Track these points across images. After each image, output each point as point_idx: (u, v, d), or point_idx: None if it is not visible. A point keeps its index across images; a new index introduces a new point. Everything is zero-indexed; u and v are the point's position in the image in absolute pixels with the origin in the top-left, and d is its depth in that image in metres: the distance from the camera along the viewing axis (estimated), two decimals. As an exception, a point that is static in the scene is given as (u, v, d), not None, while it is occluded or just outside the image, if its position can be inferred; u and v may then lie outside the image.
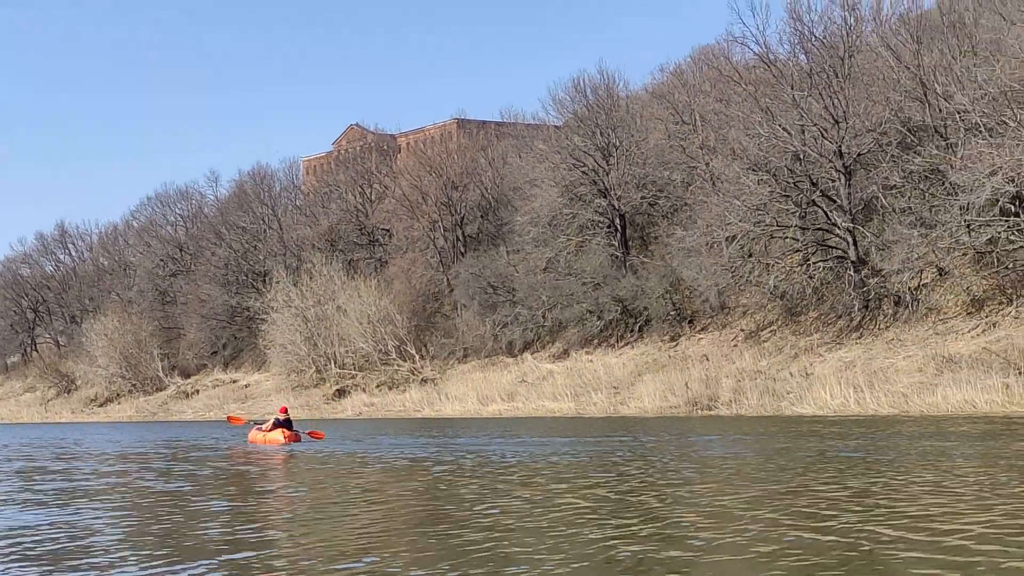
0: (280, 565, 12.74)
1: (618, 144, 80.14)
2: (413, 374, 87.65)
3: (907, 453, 26.50)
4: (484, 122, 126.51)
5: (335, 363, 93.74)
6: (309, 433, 43.53)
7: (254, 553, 13.77)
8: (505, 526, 15.46)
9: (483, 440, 40.62)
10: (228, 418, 54.09)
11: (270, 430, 42.11)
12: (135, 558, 13.55)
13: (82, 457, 39.24)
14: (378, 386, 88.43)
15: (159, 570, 12.55)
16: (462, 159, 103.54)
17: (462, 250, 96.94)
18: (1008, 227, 53.49)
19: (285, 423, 42.15)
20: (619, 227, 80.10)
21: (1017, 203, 53.36)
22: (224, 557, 13.49)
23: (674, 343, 71.00)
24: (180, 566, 12.74)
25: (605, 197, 79.68)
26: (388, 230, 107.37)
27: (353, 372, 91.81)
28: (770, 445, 32.09)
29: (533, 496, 19.39)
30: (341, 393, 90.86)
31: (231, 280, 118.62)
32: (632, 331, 75.44)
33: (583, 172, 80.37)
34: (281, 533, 16.06)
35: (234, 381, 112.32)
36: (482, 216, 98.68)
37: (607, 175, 79.15)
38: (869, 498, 17.37)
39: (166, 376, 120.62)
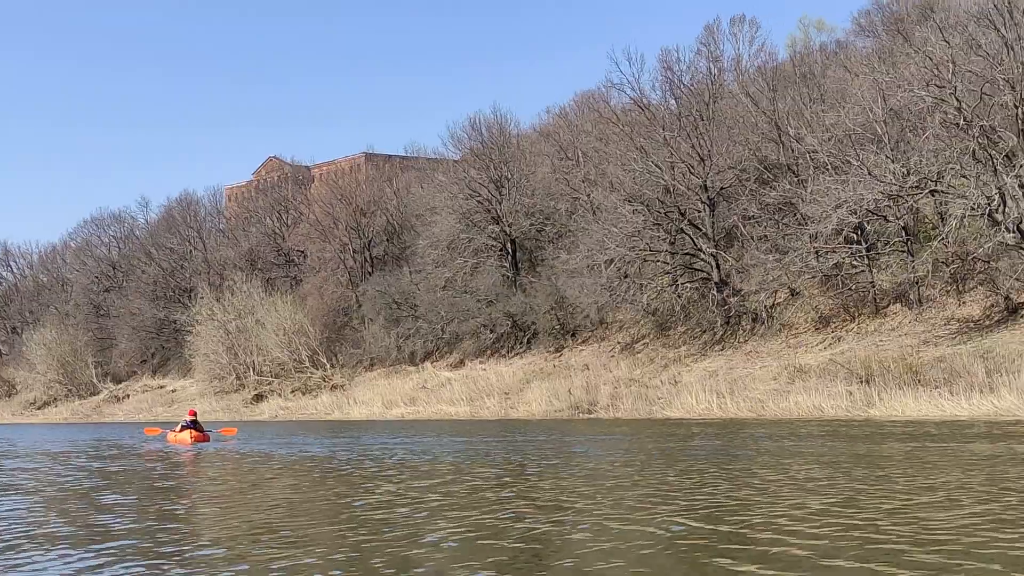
0: (167, 551, 12.41)
1: (509, 176, 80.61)
2: (324, 381, 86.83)
3: (760, 451, 26.76)
4: (390, 156, 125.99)
5: (254, 371, 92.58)
6: (221, 431, 42.92)
7: (137, 541, 13.46)
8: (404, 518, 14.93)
9: (383, 439, 40.25)
10: (145, 430, 53.08)
11: (179, 432, 41.73)
12: (30, 545, 13.22)
13: (11, 455, 38.16)
14: (292, 391, 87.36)
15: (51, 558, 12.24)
16: (370, 188, 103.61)
17: (369, 270, 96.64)
18: (851, 254, 54.72)
19: (193, 424, 41.82)
20: (510, 250, 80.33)
21: (859, 233, 54.37)
22: (117, 543, 13.19)
23: (558, 354, 70.96)
24: (75, 553, 12.42)
25: (498, 224, 79.92)
26: (303, 251, 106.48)
27: (270, 379, 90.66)
28: (634, 444, 32.60)
29: (399, 489, 19.24)
30: (259, 398, 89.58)
31: (159, 295, 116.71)
32: (521, 343, 75.39)
33: (478, 201, 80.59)
34: (175, 524, 15.61)
35: (161, 387, 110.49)
36: (387, 239, 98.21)
37: (500, 204, 79.58)
38: (713, 486, 17.75)
39: (99, 382, 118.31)
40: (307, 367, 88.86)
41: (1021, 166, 46.59)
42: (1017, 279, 47.08)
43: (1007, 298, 47.95)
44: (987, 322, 48.10)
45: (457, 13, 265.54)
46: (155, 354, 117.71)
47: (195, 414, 44.10)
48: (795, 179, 58.38)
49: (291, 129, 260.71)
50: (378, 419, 69.16)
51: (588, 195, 72.78)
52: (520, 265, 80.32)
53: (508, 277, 79.05)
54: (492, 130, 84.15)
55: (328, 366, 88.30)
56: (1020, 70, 47.56)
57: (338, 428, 55.74)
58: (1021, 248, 46.27)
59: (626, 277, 64.85)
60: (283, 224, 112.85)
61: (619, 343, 67.85)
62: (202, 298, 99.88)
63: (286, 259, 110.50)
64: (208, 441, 40.90)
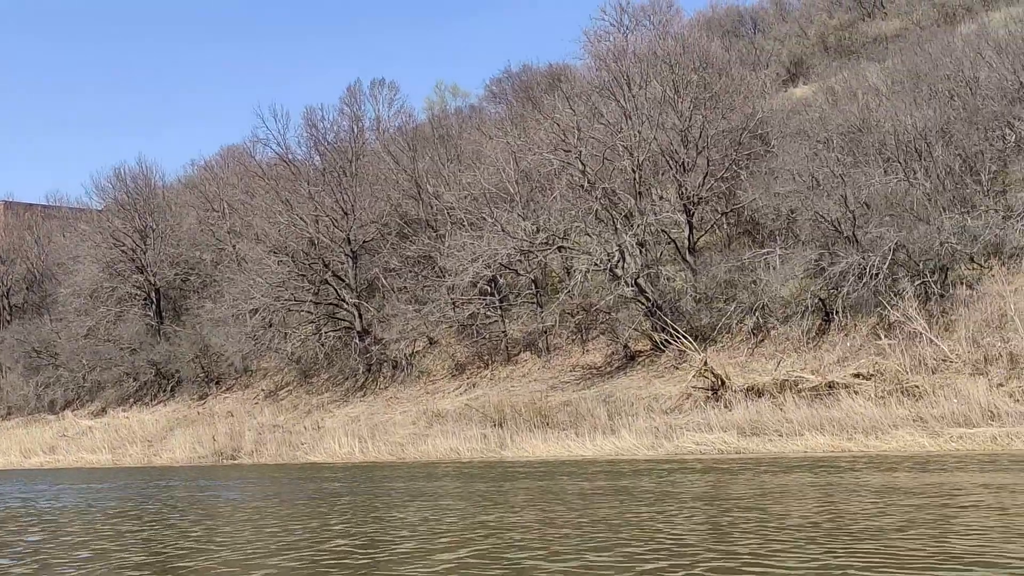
0: None
1: (155, 227, 76.73)
2: (-42, 431, 79.33)
3: (386, 490, 26.36)
4: (31, 204, 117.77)
5: None
6: None
7: None
8: None
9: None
10: None
11: None
12: None
13: None
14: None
15: None
16: (9, 237, 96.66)
17: (8, 318, 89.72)
18: (485, 305, 54.49)
19: None
20: (155, 299, 76.20)
21: (492, 285, 54.26)
22: None
23: (202, 401, 67.54)
24: None
25: (142, 273, 75.80)
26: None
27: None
28: (269, 488, 31.98)
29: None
30: None
31: None
32: (165, 391, 71.48)
33: (122, 251, 76.28)
34: None
35: None
36: (27, 288, 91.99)
37: (144, 254, 75.67)
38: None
39: None
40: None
41: (638, 225, 47.66)
42: (635, 329, 47.92)
43: (625, 347, 48.61)
44: (608, 369, 48.60)
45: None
46: None
47: None
48: (434, 234, 57.74)
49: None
50: (15, 468, 63.70)
51: (234, 246, 70.02)
52: (164, 314, 76.11)
53: (152, 326, 74.63)
54: (137, 181, 79.62)
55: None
56: (637, 138, 48.76)
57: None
58: (638, 301, 47.09)
59: (271, 326, 62.64)
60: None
61: (263, 390, 65.08)
62: None
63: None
64: None
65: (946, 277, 39.96)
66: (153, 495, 30.51)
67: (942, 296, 39.32)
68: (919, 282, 39.65)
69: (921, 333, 37.68)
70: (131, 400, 72.80)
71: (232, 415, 61.50)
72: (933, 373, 36.30)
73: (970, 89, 45.50)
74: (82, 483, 40.47)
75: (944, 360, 36.57)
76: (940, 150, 42.98)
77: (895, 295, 39.49)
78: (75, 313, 78.05)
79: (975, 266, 40.05)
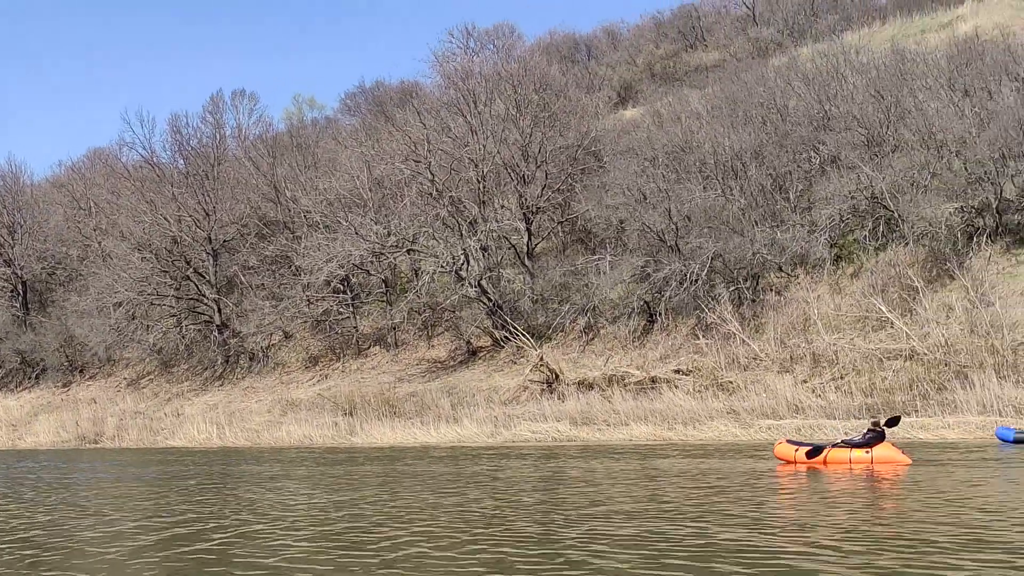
0: None
1: (23, 223, 72.86)
2: None
3: (238, 473, 25.06)
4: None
5: None
6: None
7: None
8: None
9: None
10: None
11: None
12: None
13: None
14: None
15: None
16: None
17: None
18: (338, 302, 54.01)
19: None
20: (21, 292, 72.17)
21: (345, 284, 53.52)
22: None
23: (66, 388, 64.44)
24: None
25: (9, 266, 71.65)
26: None
27: None
28: (125, 470, 30.94)
29: None
30: None
31: None
32: (30, 378, 67.90)
33: (-10, 245, 72.00)
34: None
35: None
36: None
37: (12, 248, 71.51)
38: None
39: None
40: None
41: (481, 231, 47.15)
42: (477, 327, 47.50)
43: (468, 343, 48.05)
44: (452, 363, 47.90)
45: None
46: None
47: None
48: (291, 235, 56.18)
49: None
50: None
51: (99, 243, 66.93)
52: (31, 305, 72.21)
53: (18, 316, 70.84)
54: (6, 179, 75.31)
55: None
56: (481, 151, 48.15)
57: None
58: (480, 301, 46.56)
59: (134, 318, 60.04)
60: None
61: (126, 378, 62.40)
62: None
63: None
64: None
65: (757, 284, 40.33)
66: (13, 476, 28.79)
67: (753, 301, 39.69)
68: (733, 288, 39.94)
69: (735, 334, 37.92)
70: (-4, 387, 69.03)
71: (95, 402, 59.41)
72: (745, 370, 36.55)
73: (780, 115, 46.06)
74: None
75: (755, 359, 36.84)
76: (754, 170, 43.35)
77: (712, 299, 39.71)
78: (-60, 304, 73.60)
79: (783, 274, 40.50)
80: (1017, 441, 25.82)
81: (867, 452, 22.05)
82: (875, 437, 22.32)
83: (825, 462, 22.45)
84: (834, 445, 23.05)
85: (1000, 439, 26.47)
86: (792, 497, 17.12)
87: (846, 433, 26.19)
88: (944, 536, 11.71)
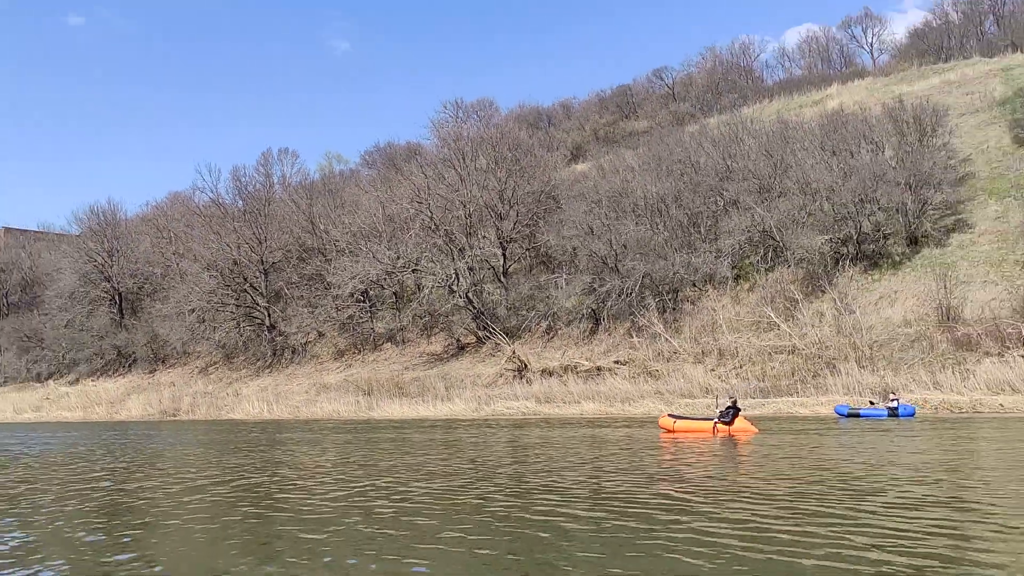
0: None
1: (119, 248, 71.78)
2: (-36, 395, 72.67)
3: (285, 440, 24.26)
4: (25, 229, 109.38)
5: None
6: None
7: None
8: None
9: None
10: None
11: None
12: None
13: None
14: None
15: None
16: (8, 254, 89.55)
17: (6, 312, 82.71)
18: (359, 309, 53.24)
19: None
20: (118, 301, 71.07)
21: (365, 295, 52.83)
22: None
23: (152, 374, 63.34)
24: None
25: (109, 282, 70.69)
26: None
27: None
28: (194, 436, 29.45)
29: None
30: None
31: None
32: (124, 367, 66.75)
33: (94, 265, 70.97)
34: None
35: None
36: (22, 290, 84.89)
37: (111, 268, 70.54)
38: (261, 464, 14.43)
39: None
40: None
41: (468, 256, 46.76)
42: (464, 328, 47.04)
43: (458, 340, 47.57)
44: (445, 356, 47.36)
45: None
46: None
47: None
48: (324, 259, 55.59)
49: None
50: (10, 421, 58.69)
51: (177, 264, 66.06)
52: (125, 312, 71.25)
53: (115, 320, 69.82)
54: (107, 215, 74.48)
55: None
56: (468, 195, 47.77)
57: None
58: (467, 308, 46.14)
59: (203, 321, 59.33)
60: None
61: (197, 367, 61.41)
62: None
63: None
64: None
65: (677, 296, 40.06)
66: (111, 441, 28.07)
67: (674, 309, 39.39)
68: (659, 299, 39.65)
69: (660, 334, 37.60)
70: (98, 373, 67.91)
71: (174, 384, 58.48)
72: (668, 361, 36.22)
73: (694, 169, 45.89)
74: (68, 432, 37.09)
75: (675, 352, 36.53)
76: (674, 210, 43.13)
77: (643, 307, 39.41)
78: (57, 310, 72.91)
79: (696, 289, 40.23)
80: (850, 415, 26.08)
81: (726, 424, 21.44)
82: (734, 412, 21.72)
83: (692, 431, 21.85)
84: (706, 419, 22.53)
85: (838, 414, 26.68)
86: (673, 456, 16.45)
87: (713, 408, 25.61)
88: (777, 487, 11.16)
